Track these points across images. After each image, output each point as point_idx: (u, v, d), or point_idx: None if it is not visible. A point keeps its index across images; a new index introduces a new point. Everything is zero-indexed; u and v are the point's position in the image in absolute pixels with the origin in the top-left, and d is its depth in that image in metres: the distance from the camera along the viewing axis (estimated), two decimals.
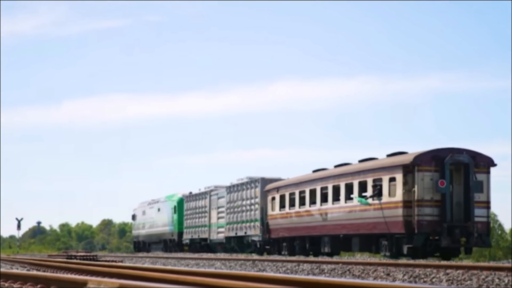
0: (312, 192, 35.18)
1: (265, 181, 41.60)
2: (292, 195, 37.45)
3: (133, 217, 69.31)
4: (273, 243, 39.92)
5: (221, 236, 47.34)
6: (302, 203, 36.27)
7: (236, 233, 44.73)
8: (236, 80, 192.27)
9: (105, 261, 29.11)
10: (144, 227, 64.93)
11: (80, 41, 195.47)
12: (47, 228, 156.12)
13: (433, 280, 14.90)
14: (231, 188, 45.95)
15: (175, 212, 56.52)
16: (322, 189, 34.27)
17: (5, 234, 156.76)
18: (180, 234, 55.45)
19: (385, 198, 29.05)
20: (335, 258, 27.85)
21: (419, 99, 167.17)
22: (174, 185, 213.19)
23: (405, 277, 15.80)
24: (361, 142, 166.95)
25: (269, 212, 39.88)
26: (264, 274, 9.88)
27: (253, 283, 7.20)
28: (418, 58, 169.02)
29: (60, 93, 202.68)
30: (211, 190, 49.97)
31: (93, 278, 8.31)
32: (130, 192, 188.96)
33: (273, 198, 39.54)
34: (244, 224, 43.46)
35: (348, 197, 31.99)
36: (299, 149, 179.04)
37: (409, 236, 27.92)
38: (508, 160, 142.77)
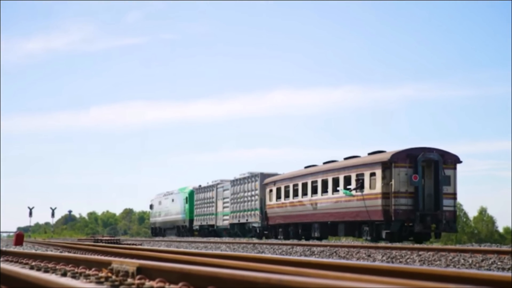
0: (304, 185, 35.17)
1: (264, 176, 41.61)
2: (287, 187, 37.43)
3: (151, 206, 69.25)
4: (270, 229, 39.91)
5: (226, 223, 47.33)
6: (295, 194, 36.25)
7: (239, 220, 44.73)
8: (239, 89, 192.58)
9: (127, 244, 29.09)
10: (160, 215, 64.89)
11: (105, 56, 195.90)
12: (77, 216, 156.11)
13: (408, 260, 14.89)
14: (234, 182, 45.93)
15: (186, 202, 56.49)
16: (312, 182, 34.26)
17: (41, 221, 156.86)
18: (191, 221, 55.43)
19: (366, 190, 29.04)
20: (323, 242, 27.84)
21: (395, 106, 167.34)
22: (186, 179, 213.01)
23: (384, 258, 15.79)
24: (346, 142, 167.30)
25: (267, 202, 39.87)
26: (263, 255, 9.87)
27: (253, 263, 7.18)
28: (395, 70, 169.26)
29: (88, 100, 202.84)
30: (218, 184, 49.96)
31: (116, 258, 8.30)
32: (148, 185, 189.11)
33: (271, 190, 39.53)
34: (245, 213, 43.44)
35: (335, 190, 31.98)
36: (293, 148, 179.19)
37: (387, 223, 27.92)
38: (472, 158, 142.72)
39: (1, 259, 11.72)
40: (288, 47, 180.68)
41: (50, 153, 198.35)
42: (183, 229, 57.33)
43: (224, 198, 47.96)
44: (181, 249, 16.81)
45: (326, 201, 32.64)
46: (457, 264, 13.44)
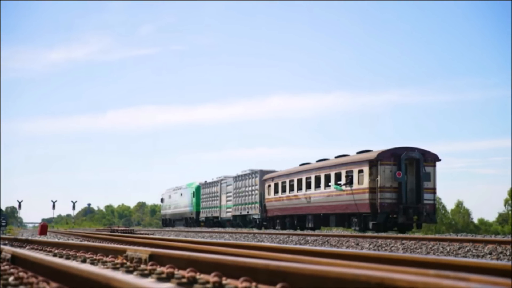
0: (299, 181, 35.15)
1: (263, 172, 41.60)
2: (284, 183, 37.42)
3: (162, 200, 69.21)
4: (269, 220, 39.90)
5: (229, 214, 47.31)
6: (291, 189, 36.23)
7: (240, 213, 44.72)
8: (241, 95, 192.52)
9: (140, 234, 29.07)
10: (170, 208, 64.86)
11: (121, 65, 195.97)
12: (95, 208, 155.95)
13: (392, 248, 14.89)
14: (236, 178, 45.92)
15: (193, 196, 56.46)
16: (306, 178, 34.25)
17: (63, 213, 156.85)
18: (198, 213, 55.40)
19: (355, 185, 29.03)
20: (316, 232, 27.82)
21: (381, 109, 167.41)
22: (193, 175, 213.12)
23: (371, 246, 15.79)
24: (336, 142, 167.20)
25: (266, 196, 39.85)
26: (262, 244, 9.86)
27: (253, 251, 7.18)
28: (381, 78, 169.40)
29: (105, 104, 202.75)
30: (221, 179, 49.95)
31: (131, 247, 8.31)
32: (159, 180, 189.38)
33: (269, 186, 39.51)
34: (247, 206, 43.42)
35: (327, 185, 31.96)
36: (289, 147, 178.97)
37: (373, 215, 27.91)
38: (450, 156, 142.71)
39: (27, 247, 11.71)
40: (285, 57, 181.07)
41: (71, 152, 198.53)
42: (190, 221, 57.31)
43: (227, 193, 47.94)
44: (189, 238, 16.80)
45: (319, 195, 32.63)
46: (437, 251, 13.44)
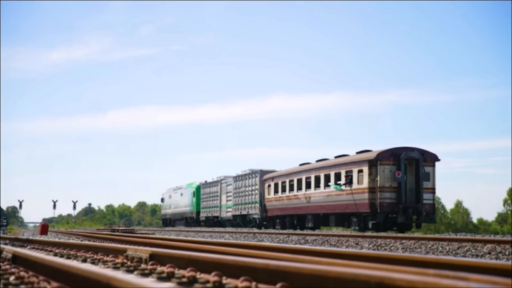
0: (299, 181, 35.14)
1: (263, 172, 41.59)
2: (283, 183, 37.41)
3: (162, 200, 69.19)
4: (269, 220, 39.89)
5: (229, 214, 47.30)
6: (291, 189, 36.22)
7: (240, 212, 44.71)
8: (241, 95, 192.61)
9: (140, 233, 29.05)
10: (170, 208, 64.84)
11: (121, 65, 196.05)
12: (96, 208, 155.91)
13: (391, 248, 14.88)
14: (237, 178, 45.91)
15: (194, 196, 56.45)
16: (306, 178, 34.24)
17: (64, 213, 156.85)
18: (198, 213, 55.38)
19: (355, 185, 29.02)
20: (316, 231, 27.81)
21: (381, 109, 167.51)
22: (193, 175, 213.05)
23: (370, 245, 15.78)
24: (336, 142, 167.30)
25: (266, 196, 39.84)
26: (262, 243, 9.85)
27: (253, 250, 7.18)
28: (380, 78, 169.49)
29: (106, 105, 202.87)
30: (222, 179, 49.94)
31: (131, 246, 8.31)
32: (159, 180, 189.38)
33: (269, 185, 39.51)
34: (247, 205, 43.41)
35: (327, 185, 31.96)
36: (289, 147, 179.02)
37: (373, 215, 27.90)
38: (449, 156, 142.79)
39: (28, 246, 11.71)
40: (285, 57, 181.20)
41: (72, 152, 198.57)
42: (190, 220, 57.29)
43: (227, 192, 47.93)
44: (189, 238, 16.77)
45: (319, 195, 32.62)
46: (436, 251, 13.43)
